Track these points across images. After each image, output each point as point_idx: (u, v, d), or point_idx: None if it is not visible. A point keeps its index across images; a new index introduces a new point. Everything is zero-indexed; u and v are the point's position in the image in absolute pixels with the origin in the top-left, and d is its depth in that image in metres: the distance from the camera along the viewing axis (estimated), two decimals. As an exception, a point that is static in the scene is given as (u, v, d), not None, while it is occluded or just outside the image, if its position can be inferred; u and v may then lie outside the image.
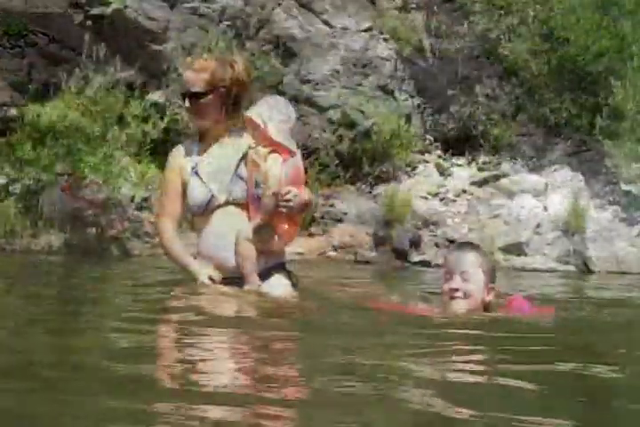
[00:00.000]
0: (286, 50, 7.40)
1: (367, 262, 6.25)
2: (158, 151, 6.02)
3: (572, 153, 7.67)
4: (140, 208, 5.97)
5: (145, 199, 6.01)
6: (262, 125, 2.84)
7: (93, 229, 5.56)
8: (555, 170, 7.51)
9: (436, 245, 6.62)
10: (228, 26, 7.51)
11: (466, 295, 2.56)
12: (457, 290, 2.56)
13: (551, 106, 7.58)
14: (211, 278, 2.93)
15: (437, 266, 6.52)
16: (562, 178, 7.36)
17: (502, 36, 7.82)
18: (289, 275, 3.01)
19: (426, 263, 6.29)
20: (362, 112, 7.85)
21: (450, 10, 8.38)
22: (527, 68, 7.58)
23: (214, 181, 2.95)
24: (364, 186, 7.73)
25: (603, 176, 7.30)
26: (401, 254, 6.37)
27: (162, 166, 6.73)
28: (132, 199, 5.91)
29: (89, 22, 6.77)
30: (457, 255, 2.64)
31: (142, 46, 6.92)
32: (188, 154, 3.06)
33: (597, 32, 7.05)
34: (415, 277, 5.55)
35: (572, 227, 6.31)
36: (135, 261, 5.44)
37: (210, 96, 2.96)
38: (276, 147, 2.85)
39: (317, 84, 7.72)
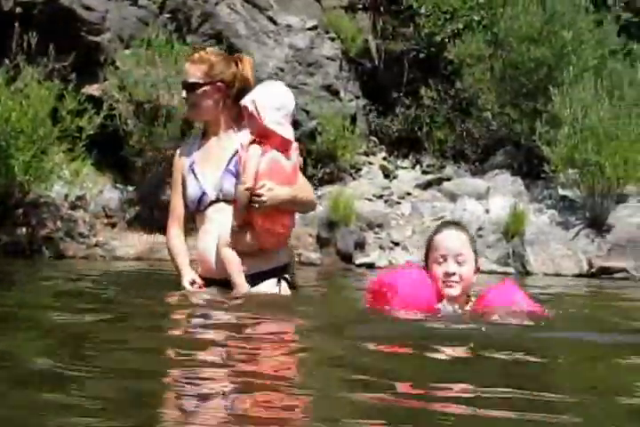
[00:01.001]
0: (229, 46, 7.30)
1: (312, 264, 6.24)
2: (94, 148, 5.85)
3: (512, 158, 7.89)
4: (73, 207, 5.78)
5: (79, 198, 5.82)
6: (255, 112, 2.74)
7: (24, 229, 5.33)
8: (496, 174, 7.70)
9: (381, 247, 6.68)
10: (168, 18, 7.37)
11: (461, 278, 2.41)
12: (454, 274, 2.40)
13: (493, 111, 7.77)
14: (193, 282, 2.86)
15: (381, 268, 6.64)
16: (503, 182, 7.55)
17: (447, 40, 7.97)
18: (285, 280, 2.86)
19: (370, 265, 6.34)
20: (306, 112, 7.85)
21: (396, 11, 8.49)
22: (471, 72, 7.74)
23: (207, 177, 2.91)
24: (307, 187, 7.74)
25: (541, 181, 7.54)
26: (345, 256, 6.39)
27: (97, 163, 6.58)
28: (66, 198, 5.71)
29: (19, 9, 6.51)
30: (449, 236, 2.44)
31: (78, 37, 6.70)
32: (188, 151, 3.03)
33: (538, 41, 7.26)
34: (360, 278, 5.57)
35: (511, 230, 6.47)
36: (68, 263, 5.26)
37: (206, 88, 2.90)
38: (268, 135, 2.73)
39: (261, 82, 7.66)
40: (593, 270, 6.04)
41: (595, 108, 6.41)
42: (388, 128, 8.52)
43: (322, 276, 5.72)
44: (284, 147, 2.80)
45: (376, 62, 8.64)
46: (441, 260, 2.42)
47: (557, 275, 5.98)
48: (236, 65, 2.97)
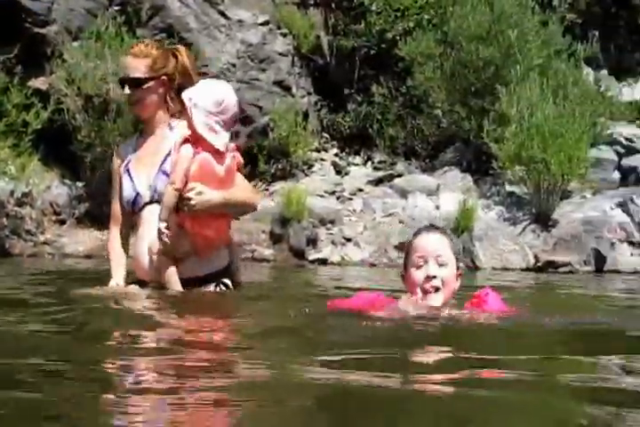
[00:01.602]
0: (180, 40, 7.27)
1: (264, 260, 6.29)
2: (40, 143, 5.77)
3: (462, 155, 8.10)
4: (20, 204, 5.68)
5: (26, 194, 5.73)
6: (189, 111, 2.65)
7: (-33, 226, 5.23)
8: (446, 171, 7.91)
9: (333, 243, 6.78)
10: (117, 11, 7.29)
11: (443, 284, 2.21)
12: (434, 278, 2.20)
13: (443, 108, 7.96)
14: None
15: (333, 264, 6.75)
16: (452, 178, 7.76)
17: (399, 38, 8.12)
18: (224, 285, 2.81)
19: (323, 261, 6.43)
20: (259, 108, 7.89)
21: (347, 8, 8.59)
22: (422, 70, 7.90)
23: (141, 177, 2.84)
24: (260, 183, 7.77)
25: (489, 177, 7.78)
26: (298, 252, 6.46)
27: (45, 159, 6.48)
28: (12, 194, 5.61)
29: (-41, -2, 6.34)
30: (429, 237, 2.28)
31: (22, 28, 6.57)
32: (125, 150, 2.96)
33: (487, 40, 7.47)
34: (313, 274, 5.66)
35: (461, 226, 6.65)
36: (15, 261, 5.18)
37: (151, 83, 2.84)
38: (199, 137, 2.66)
39: (213, 77, 7.65)
40: (539, 264, 6.28)
41: (540, 107, 6.65)
42: (340, 124, 8.63)
43: (275, 272, 5.79)
44: (217, 149, 2.69)
45: (328, 59, 8.73)
46: (421, 262, 2.23)
47: (505, 269, 6.20)
48: (175, 57, 2.91)
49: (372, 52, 8.53)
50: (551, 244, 6.50)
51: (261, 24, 8.25)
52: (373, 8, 8.30)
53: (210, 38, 7.77)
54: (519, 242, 6.56)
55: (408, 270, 2.27)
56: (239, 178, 2.84)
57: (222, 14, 8.07)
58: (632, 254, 6.09)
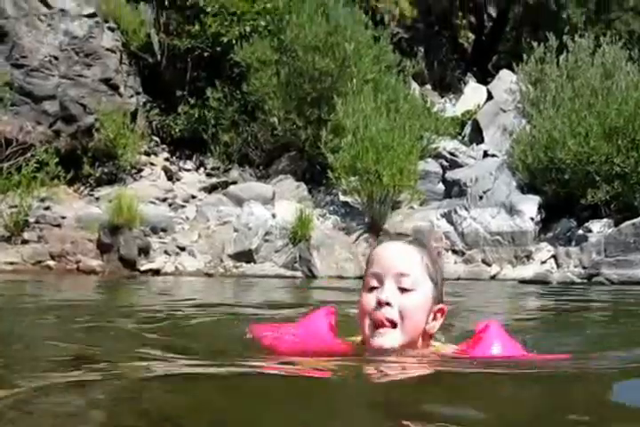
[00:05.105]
0: (-4, 27, 6.99)
1: (92, 272, 6.22)
2: None
3: (296, 163, 8.57)
4: None
5: None
6: None
7: None
8: (281, 179, 8.32)
9: (166, 252, 6.87)
10: None
11: (403, 316, 1.55)
12: (388, 305, 1.54)
13: (279, 116, 8.37)
14: None
15: (167, 274, 6.82)
16: (288, 187, 8.18)
17: (234, 42, 8.40)
18: None
19: (156, 271, 6.50)
20: (83, 106, 7.76)
21: (181, 7, 8.71)
22: (258, 76, 8.25)
23: None
24: (83, 187, 7.64)
25: (323, 187, 8.31)
26: (129, 263, 6.47)
27: None
28: None
29: None
30: (389, 248, 1.63)
31: None
32: None
33: (323, 51, 8.01)
34: (147, 286, 5.71)
35: (298, 235, 7.06)
36: None
37: None
38: None
39: (32, 70, 7.43)
40: (371, 273, 6.84)
41: (374, 120, 7.28)
42: (171, 128, 8.72)
43: (103, 285, 5.74)
44: None
45: (159, 58, 8.78)
46: (374, 283, 1.58)
47: (340, 277, 6.69)
48: None
49: (206, 54, 8.72)
50: (383, 253, 7.11)
51: (87, 16, 8.13)
52: (209, 10, 8.51)
53: (29, 27, 7.52)
54: (354, 251, 7.11)
55: (361, 296, 1.62)
56: None
57: (43, 2, 7.84)
58: (456, 262, 6.87)
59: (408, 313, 1.55)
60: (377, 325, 1.55)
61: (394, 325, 1.54)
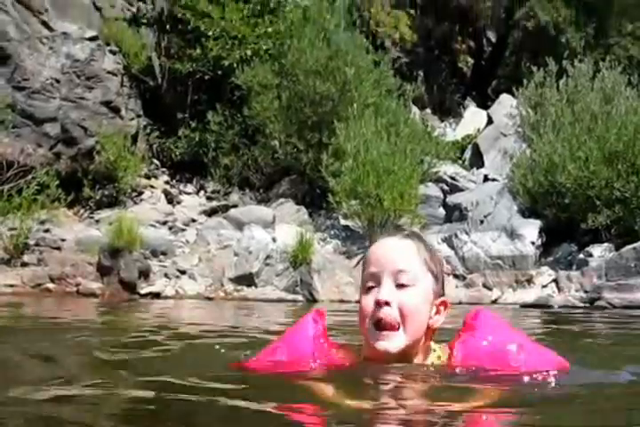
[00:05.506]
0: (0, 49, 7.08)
1: (92, 295, 6.22)
2: None
3: (297, 187, 8.61)
4: None
5: None
6: None
7: None
8: (281, 203, 8.35)
9: (166, 275, 6.87)
10: None
11: (404, 315, 1.50)
12: (387, 304, 1.49)
13: (280, 140, 8.44)
14: None
15: (167, 297, 6.81)
16: (288, 211, 8.22)
17: (235, 66, 8.50)
18: None
19: (156, 295, 6.50)
20: (84, 129, 7.82)
21: (183, 31, 8.83)
22: (259, 100, 8.34)
23: None
24: (83, 210, 7.67)
25: (323, 211, 8.35)
26: (129, 286, 6.47)
27: None
28: None
29: None
30: (386, 244, 1.58)
31: None
32: None
33: (324, 75, 8.11)
34: (147, 309, 5.70)
35: (298, 259, 7.08)
36: None
37: None
38: None
39: (34, 92, 7.50)
40: (373, 297, 6.84)
41: (375, 144, 7.34)
42: (171, 151, 8.78)
43: (103, 308, 5.74)
44: None
45: (160, 81, 8.88)
46: (372, 283, 1.53)
47: (342, 301, 6.69)
48: None
49: (207, 77, 8.82)
50: (384, 276, 7.12)
51: (89, 39, 8.23)
52: (210, 33, 8.63)
53: (31, 50, 7.61)
54: (354, 275, 7.11)
55: (359, 298, 1.57)
56: None
57: (45, 25, 7.95)
58: (457, 286, 6.88)
59: (408, 310, 1.50)
60: (378, 325, 1.50)
61: (396, 327, 1.50)
